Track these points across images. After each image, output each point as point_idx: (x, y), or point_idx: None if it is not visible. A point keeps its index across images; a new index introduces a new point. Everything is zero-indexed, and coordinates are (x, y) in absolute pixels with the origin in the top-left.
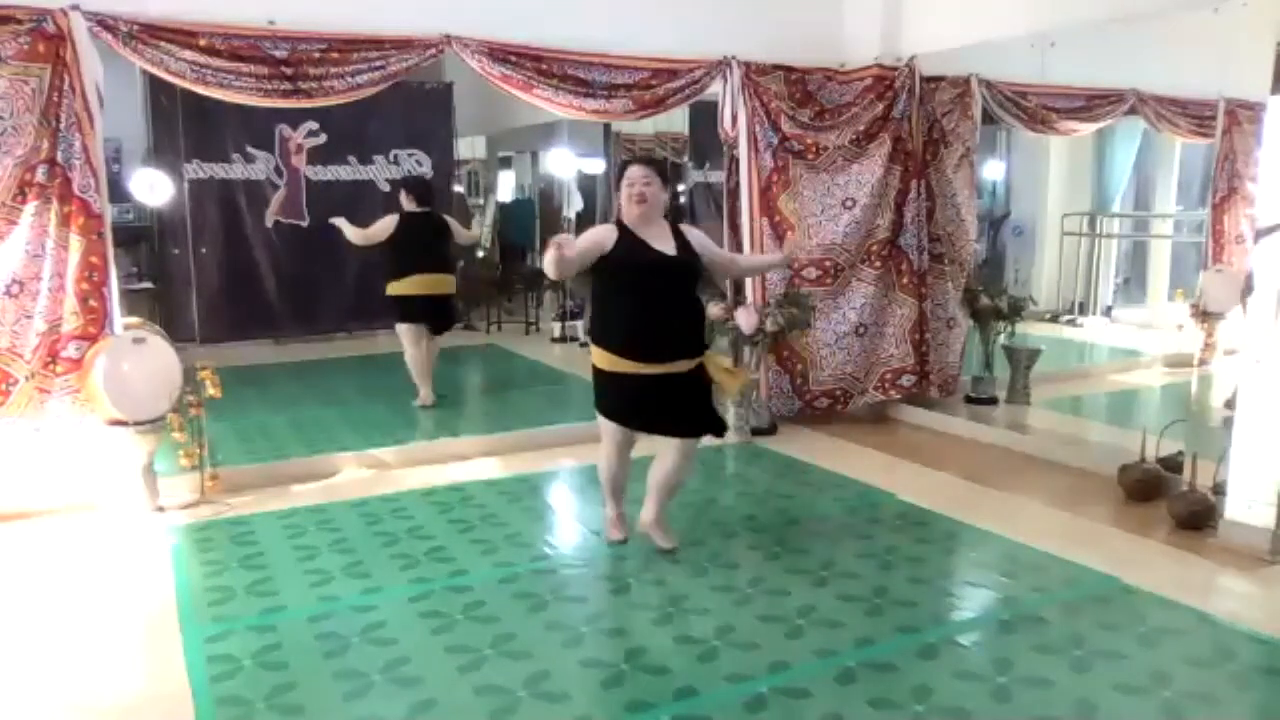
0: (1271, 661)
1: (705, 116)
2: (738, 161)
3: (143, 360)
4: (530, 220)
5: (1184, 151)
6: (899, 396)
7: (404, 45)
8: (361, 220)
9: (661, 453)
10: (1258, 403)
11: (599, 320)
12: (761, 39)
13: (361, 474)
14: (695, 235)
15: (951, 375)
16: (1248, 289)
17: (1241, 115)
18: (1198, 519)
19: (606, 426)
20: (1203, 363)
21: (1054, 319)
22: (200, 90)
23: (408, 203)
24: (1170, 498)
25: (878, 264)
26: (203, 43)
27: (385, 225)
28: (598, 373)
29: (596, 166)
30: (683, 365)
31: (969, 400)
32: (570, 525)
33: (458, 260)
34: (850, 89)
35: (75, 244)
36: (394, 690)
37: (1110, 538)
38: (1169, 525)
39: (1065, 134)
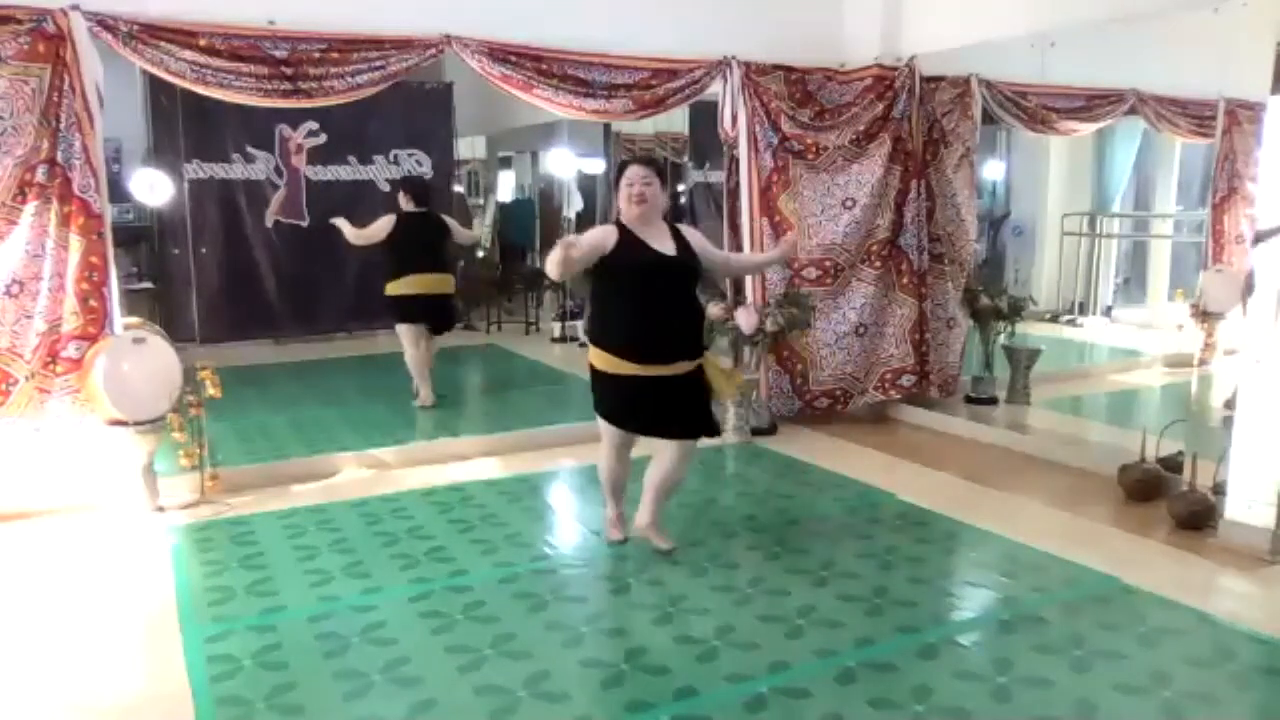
0: (1271, 661)
1: (705, 116)
2: (738, 161)
3: (143, 360)
4: (530, 220)
5: (1184, 151)
6: (899, 396)
7: (404, 45)
8: (361, 220)
9: (659, 454)
10: (1258, 403)
11: (598, 321)
12: (761, 39)
13: (361, 474)
14: (693, 235)
15: (951, 375)
16: (1248, 289)
17: (1241, 115)
18: (1198, 519)
19: (605, 428)
20: (1203, 363)
21: (1054, 319)
22: (200, 90)
23: (405, 203)
24: (1170, 498)
25: (878, 264)
26: (203, 43)
27: (382, 225)
28: (596, 374)
29: (596, 166)
30: (683, 367)
31: (969, 400)
32: (570, 525)
33: (457, 260)
34: (850, 89)
35: (75, 244)
36: (394, 690)
37: (1110, 538)
38: (1169, 525)
39: (1065, 134)
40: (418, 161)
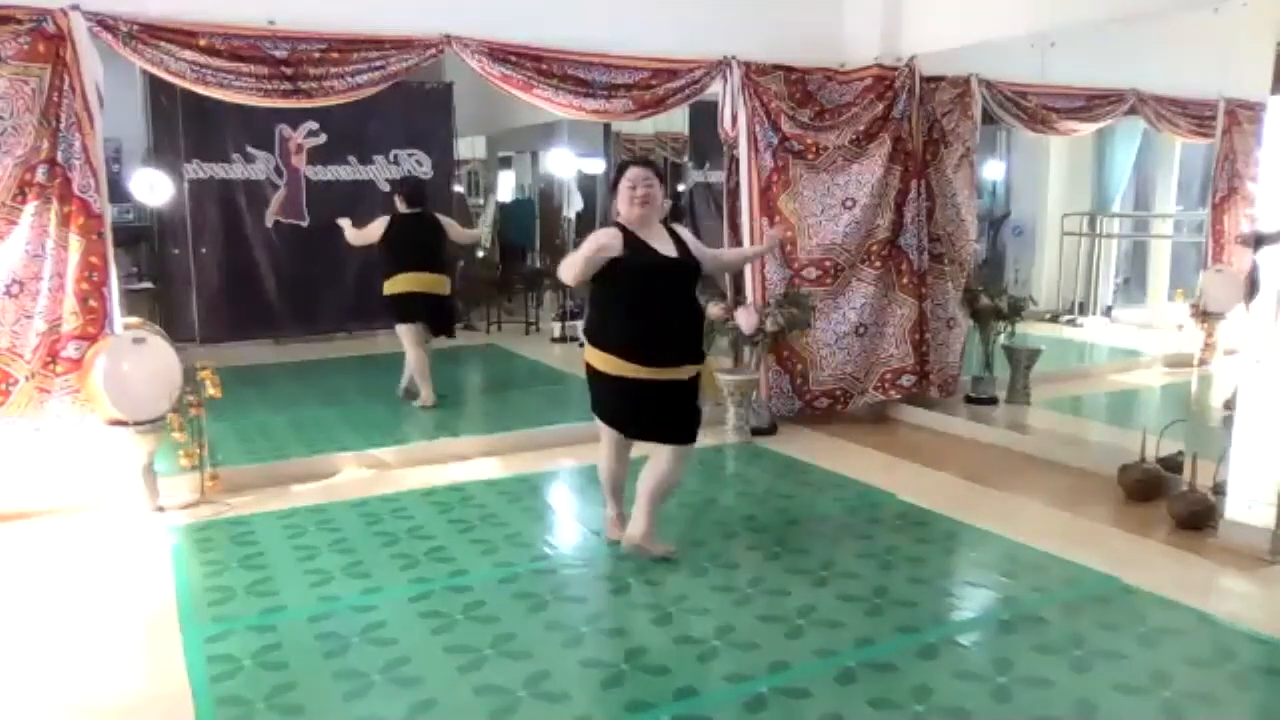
0: (1271, 661)
1: (705, 116)
2: (738, 161)
3: (143, 360)
4: (530, 220)
5: (1184, 151)
6: (899, 396)
7: (404, 45)
8: (361, 221)
9: (654, 458)
10: (1258, 403)
11: (601, 324)
12: (761, 39)
13: (361, 474)
14: (687, 235)
15: (951, 375)
16: (1253, 290)
17: (1241, 115)
18: (1198, 519)
19: (607, 431)
20: (1203, 363)
21: (1054, 319)
22: (200, 90)
23: (399, 204)
24: (1170, 498)
25: (878, 264)
26: (203, 43)
27: (377, 227)
28: (598, 376)
29: (596, 166)
30: (687, 371)
31: (969, 400)
32: (570, 525)
33: (457, 260)
34: (850, 89)
35: (75, 244)
36: (394, 690)
37: (1110, 538)
38: (1169, 525)
39: (1065, 134)
40: (418, 161)
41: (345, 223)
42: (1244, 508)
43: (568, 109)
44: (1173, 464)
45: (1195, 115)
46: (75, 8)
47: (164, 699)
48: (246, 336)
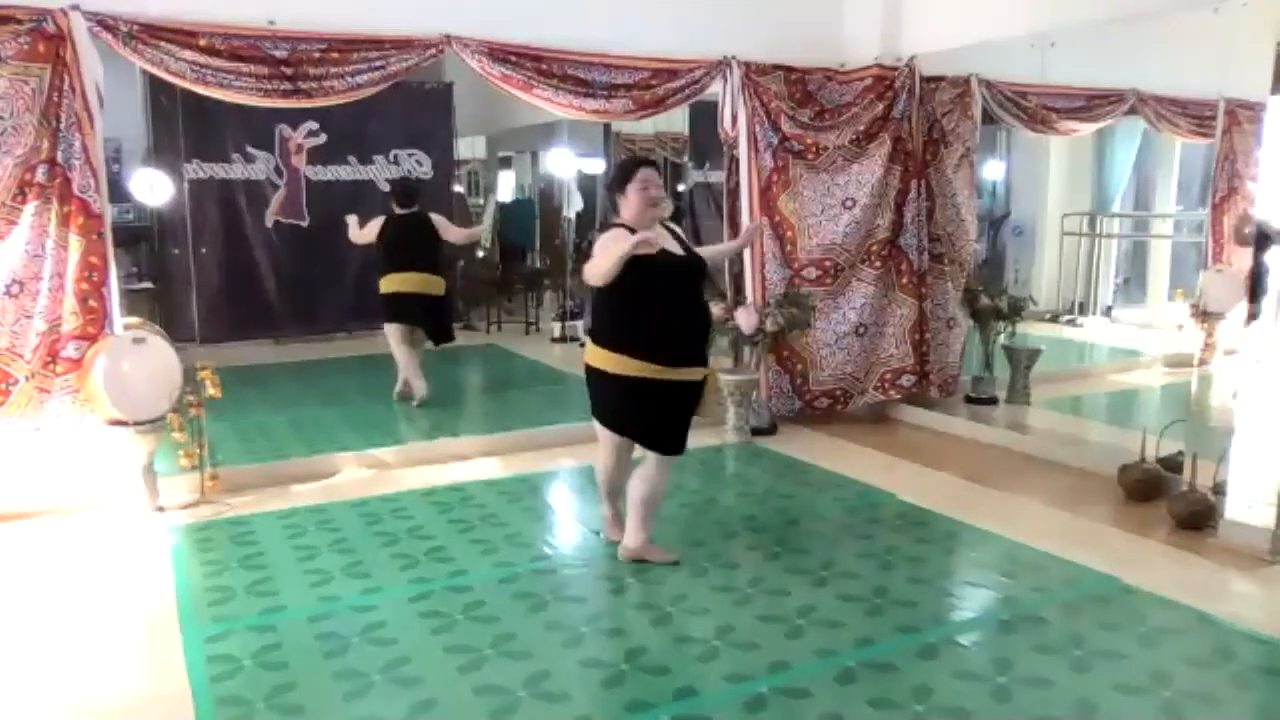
0: (1271, 661)
1: (705, 116)
2: (738, 161)
3: (143, 360)
4: (530, 220)
5: (1184, 151)
6: (899, 396)
7: (404, 45)
8: (364, 220)
9: (645, 467)
10: (1258, 403)
11: (613, 325)
12: (761, 39)
13: (361, 474)
14: (681, 234)
15: (951, 375)
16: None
17: (1241, 115)
18: (1198, 519)
19: (608, 435)
20: (1203, 363)
21: (1054, 319)
22: (200, 90)
23: (394, 204)
24: (1170, 498)
25: (878, 264)
26: (203, 43)
27: (374, 227)
28: (607, 379)
29: (596, 166)
30: (698, 373)
31: (969, 400)
32: (570, 525)
33: (457, 260)
34: (850, 89)
35: (75, 244)
36: (394, 690)
37: (1110, 538)
38: (1169, 525)
39: (1065, 134)
40: (418, 161)
41: (352, 220)
42: (1244, 508)
43: (568, 109)
44: (1173, 464)
45: (1195, 115)
46: (75, 8)
47: (164, 699)
48: (246, 336)
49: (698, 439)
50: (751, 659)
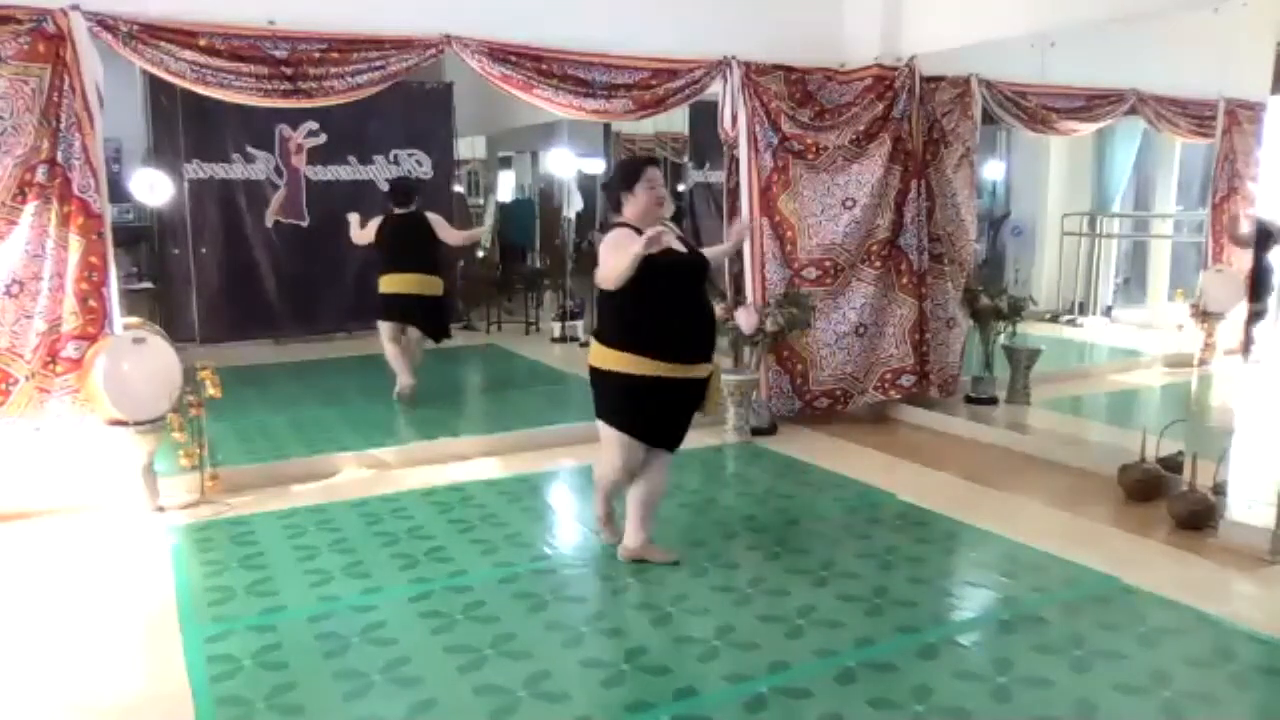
0: (1271, 661)
1: (705, 116)
2: (738, 161)
3: (143, 360)
4: (530, 220)
5: (1184, 151)
6: (899, 396)
7: (404, 45)
8: (365, 221)
9: (646, 466)
10: (1258, 403)
11: (625, 326)
12: (761, 39)
13: (361, 474)
14: (680, 233)
15: (951, 375)
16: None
17: (1241, 115)
18: (1198, 519)
19: (618, 436)
20: (1203, 363)
21: (1054, 319)
22: (200, 90)
23: (391, 204)
24: (1170, 498)
25: (878, 264)
26: (203, 43)
27: (372, 227)
28: (621, 380)
29: (596, 166)
30: (706, 369)
31: (969, 400)
32: (570, 525)
33: (457, 260)
34: (850, 89)
35: (75, 244)
36: (394, 690)
37: (1110, 538)
38: (1169, 525)
39: (1065, 134)
40: (418, 161)
41: (353, 219)
42: (1244, 508)
43: (568, 109)
44: (1173, 464)
45: (1195, 115)
46: (75, 8)
47: (164, 699)
48: (246, 336)
49: (698, 439)
50: (751, 659)
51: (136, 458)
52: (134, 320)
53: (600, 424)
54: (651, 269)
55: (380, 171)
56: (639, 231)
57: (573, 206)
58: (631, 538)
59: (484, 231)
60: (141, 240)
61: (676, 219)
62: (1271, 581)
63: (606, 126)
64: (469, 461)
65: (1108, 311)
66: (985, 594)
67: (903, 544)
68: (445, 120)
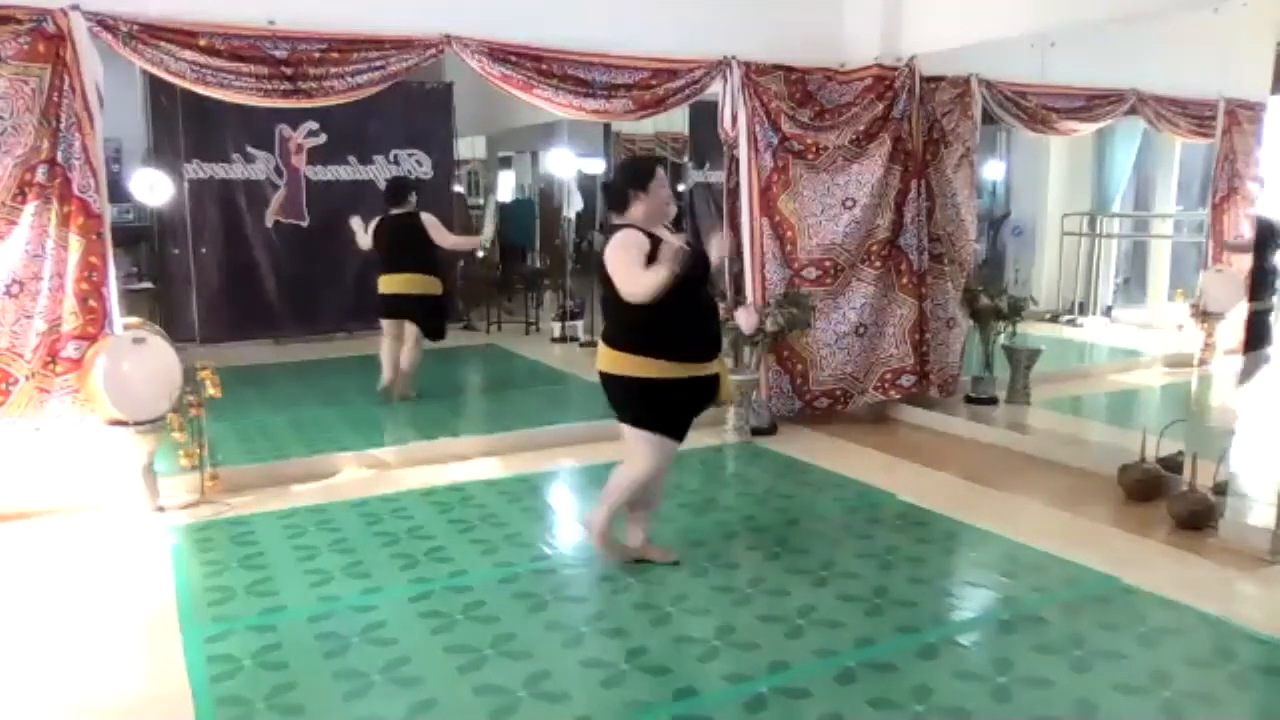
0: (1271, 661)
1: (705, 116)
2: (738, 161)
3: (143, 360)
4: (530, 220)
5: (1184, 151)
6: (899, 396)
7: (404, 45)
8: (363, 220)
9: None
10: (1258, 403)
11: (641, 330)
12: (761, 39)
13: (361, 474)
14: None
15: (951, 375)
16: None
17: (1241, 115)
18: (1198, 519)
19: (660, 442)
20: (1203, 363)
21: (1054, 319)
22: (200, 90)
23: (387, 205)
24: (1170, 498)
25: (878, 264)
26: (203, 43)
27: (371, 229)
28: (648, 385)
29: (596, 166)
30: (717, 365)
31: (969, 400)
32: (570, 525)
33: (457, 260)
34: (850, 89)
35: (75, 244)
36: (394, 690)
37: (1110, 538)
38: (1169, 525)
39: (1065, 134)
40: (418, 161)
41: (356, 224)
42: (1244, 508)
43: (568, 109)
44: (1173, 464)
45: (1195, 115)
46: (75, 8)
47: (164, 699)
48: (246, 336)
49: (698, 439)
50: (751, 659)
51: (136, 458)
52: (134, 320)
53: (629, 430)
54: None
55: (380, 171)
56: (646, 233)
57: (573, 206)
58: (638, 535)
59: (482, 241)
60: (141, 240)
61: (677, 219)
62: (1271, 581)
63: (606, 126)
64: (469, 461)
65: (1108, 311)
66: (985, 594)
67: (903, 544)
68: (445, 120)
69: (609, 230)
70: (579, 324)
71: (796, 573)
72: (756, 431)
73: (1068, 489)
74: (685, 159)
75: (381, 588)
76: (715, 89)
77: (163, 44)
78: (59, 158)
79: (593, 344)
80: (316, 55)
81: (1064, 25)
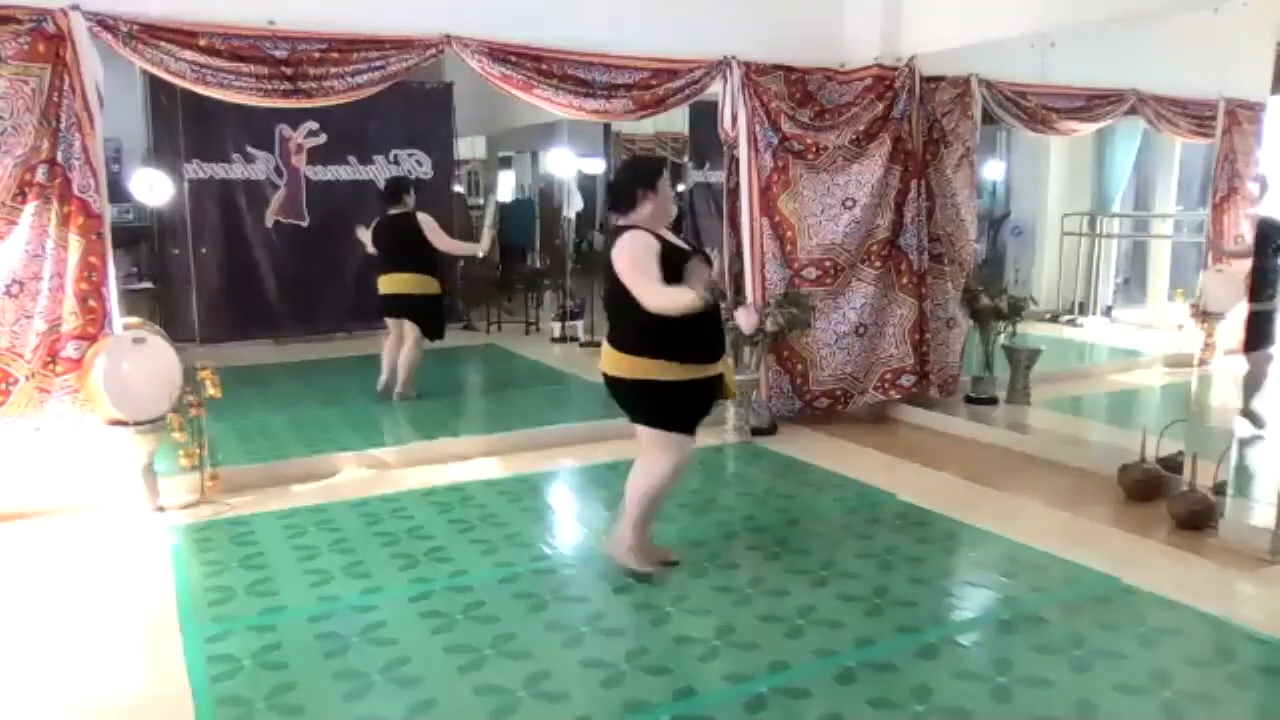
0: (1271, 661)
1: (705, 116)
2: (738, 161)
3: (143, 360)
4: (530, 220)
5: (1184, 151)
6: (899, 396)
7: (404, 45)
8: (363, 220)
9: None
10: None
11: (653, 333)
12: (761, 39)
13: (361, 474)
14: None
15: (951, 375)
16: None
17: (1241, 115)
18: (1198, 519)
19: (682, 441)
20: (1203, 363)
21: (1054, 319)
22: (200, 90)
23: (384, 205)
24: (1170, 498)
25: (878, 264)
26: (203, 43)
27: (371, 229)
28: (662, 387)
29: (596, 166)
30: (722, 365)
31: (969, 400)
32: (570, 525)
33: (458, 260)
34: (850, 89)
35: (74, 244)
36: (394, 690)
37: (1110, 538)
38: (1169, 525)
39: (1065, 134)
40: (418, 161)
41: (362, 233)
42: (1244, 508)
43: (568, 109)
44: (1173, 464)
45: (1195, 115)
46: (75, 8)
47: (164, 699)
48: (246, 336)
49: (698, 439)
50: (751, 659)
51: (136, 458)
52: (134, 320)
53: (650, 432)
54: (674, 276)
55: (380, 171)
56: (655, 235)
57: (573, 206)
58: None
59: (480, 249)
60: (141, 240)
61: (677, 220)
62: (1271, 581)
63: (606, 126)
64: (469, 461)
65: (1108, 311)
66: (985, 594)
67: (903, 544)
68: (445, 120)
69: (613, 230)
70: (579, 324)
71: (796, 573)
72: (756, 431)
73: (1068, 489)
74: (685, 159)
75: (381, 588)
76: (715, 89)
77: (163, 44)
78: (59, 158)
79: (593, 344)
80: (316, 55)
81: (1064, 25)
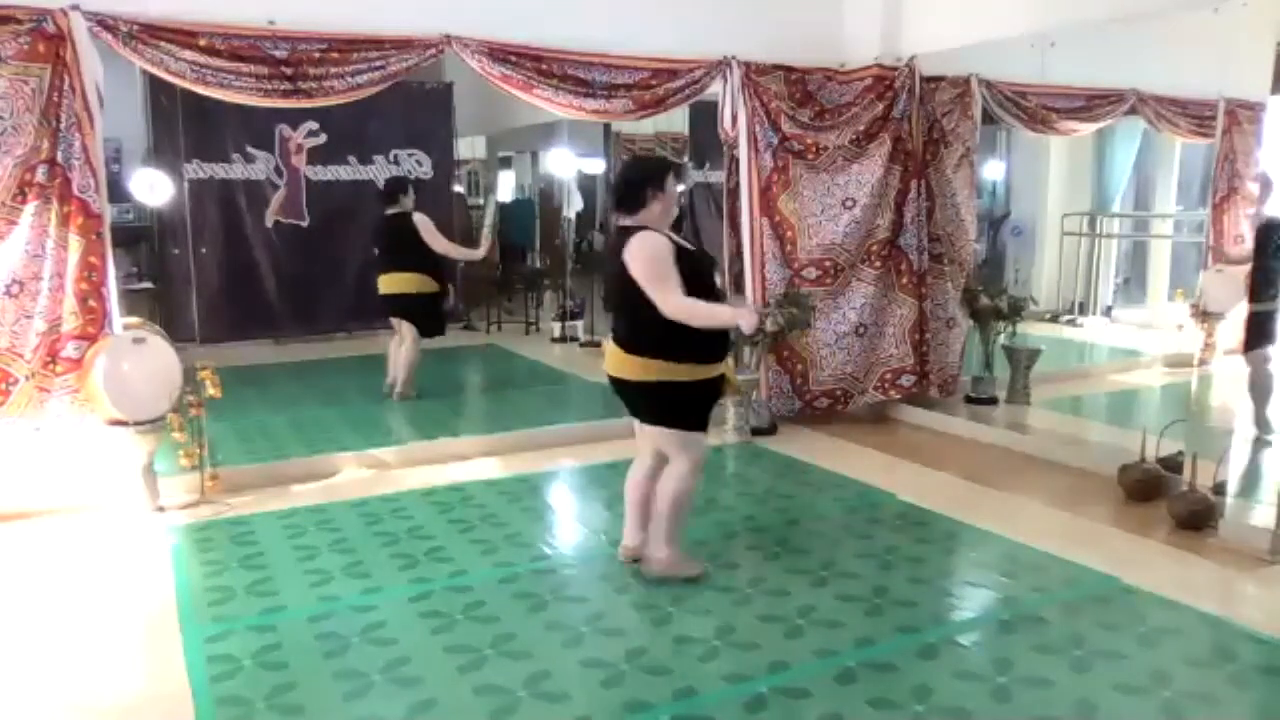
0: (1271, 661)
1: (705, 116)
2: (738, 161)
3: (143, 360)
4: (530, 220)
5: (1184, 151)
6: (899, 396)
7: (404, 45)
8: (363, 220)
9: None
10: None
11: (673, 334)
12: (761, 39)
13: (361, 474)
14: None
15: (951, 375)
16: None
17: (1241, 115)
18: (1198, 519)
19: (700, 439)
20: (1203, 363)
21: (1054, 319)
22: (200, 90)
23: (383, 205)
24: (1170, 498)
25: (878, 264)
26: (203, 43)
27: (371, 230)
28: (670, 388)
29: (596, 166)
30: (724, 364)
31: (969, 400)
32: (570, 525)
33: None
34: (850, 89)
35: (74, 244)
36: (394, 690)
37: (1110, 538)
38: (1169, 525)
39: (1065, 134)
40: (418, 161)
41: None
42: (1244, 508)
43: (568, 109)
44: (1173, 464)
45: (1195, 115)
46: (75, 8)
47: (164, 699)
48: (246, 336)
49: None
50: (751, 659)
51: (136, 458)
52: (134, 320)
53: (665, 432)
54: (697, 274)
55: (380, 171)
56: (668, 238)
57: (573, 206)
58: (638, 536)
59: (477, 253)
60: (141, 240)
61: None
62: (1271, 581)
63: (606, 126)
64: (469, 461)
65: (1108, 311)
66: (985, 594)
67: (903, 544)
68: (445, 120)
69: (617, 230)
70: (579, 324)
71: (796, 573)
72: (756, 431)
73: (1068, 489)
74: (685, 159)
75: (381, 588)
76: (715, 89)
77: (163, 44)
78: (59, 158)
79: (593, 344)
80: (316, 55)
81: (1064, 25)
